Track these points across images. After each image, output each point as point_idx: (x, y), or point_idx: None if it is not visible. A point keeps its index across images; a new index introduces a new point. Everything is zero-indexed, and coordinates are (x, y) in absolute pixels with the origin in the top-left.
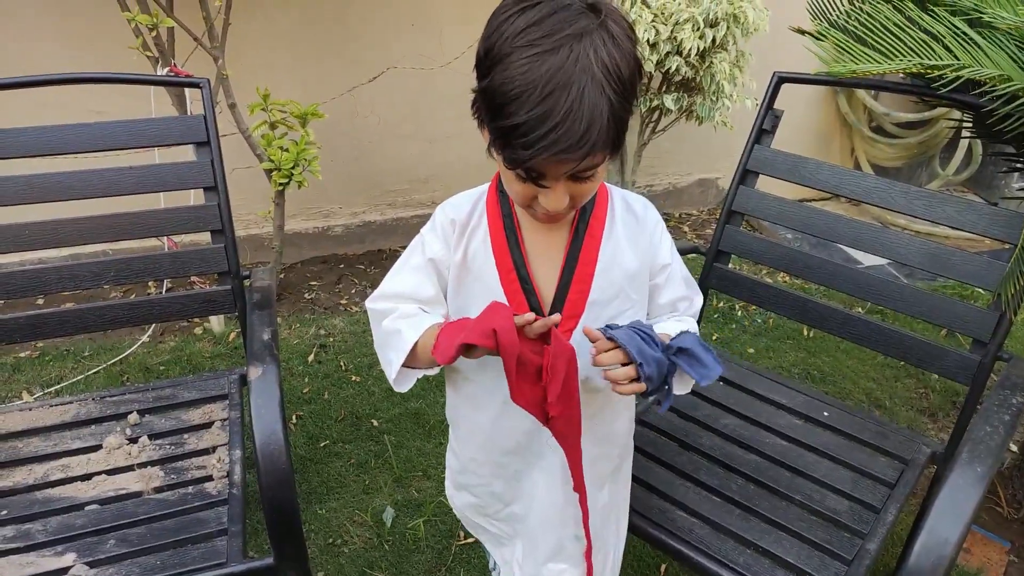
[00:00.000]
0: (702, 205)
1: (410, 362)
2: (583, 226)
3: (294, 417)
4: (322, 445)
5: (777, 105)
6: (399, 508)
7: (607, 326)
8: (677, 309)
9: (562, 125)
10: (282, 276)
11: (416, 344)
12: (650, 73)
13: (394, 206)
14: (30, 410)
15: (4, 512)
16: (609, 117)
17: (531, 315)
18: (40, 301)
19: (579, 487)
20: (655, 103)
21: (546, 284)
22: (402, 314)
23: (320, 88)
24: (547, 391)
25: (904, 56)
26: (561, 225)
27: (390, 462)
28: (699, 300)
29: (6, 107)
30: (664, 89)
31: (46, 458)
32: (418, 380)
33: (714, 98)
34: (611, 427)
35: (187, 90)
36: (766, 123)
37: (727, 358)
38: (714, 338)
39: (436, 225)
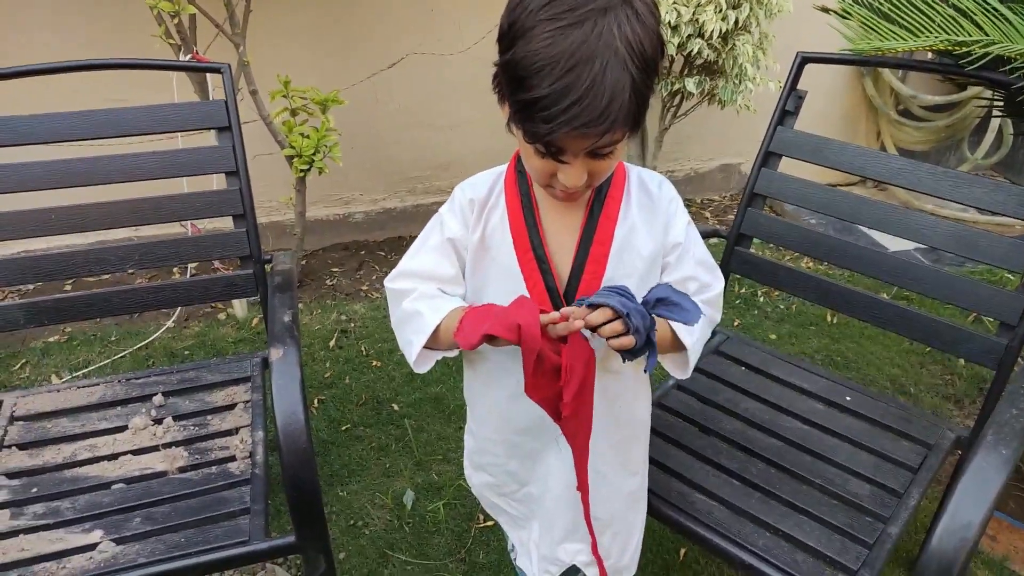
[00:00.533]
0: (724, 191)
1: (431, 344)
2: (598, 206)
3: (316, 401)
4: (343, 429)
5: (802, 89)
6: (419, 491)
7: (579, 299)
8: (687, 289)
9: (584, 99)
10: (303, 262)
11: (438, 327)
12: (671, 56)
13: (414, 193)
14: (58, 392)
15: (35, 490)
16: (631, 93)
17: (556, 314)
18: (68, 287)
19: (582, 486)
20: (677, 87)
21: (562, 263)
22: (421, 295)
23: (340, 75)
24: (564, 390)
25: (931, 33)
26: (578, 205)
27: (410, 446)
28: (717, 285)
29: (30, 95)
30: (686, 72)
31: (74, 438)
32: (438, 364)
33: (737, 81)
34: (632, 410)
35: (209, 78)
36: (789, 104)
37: (748, 343)
38: (735, 324)
39: (455, 205)
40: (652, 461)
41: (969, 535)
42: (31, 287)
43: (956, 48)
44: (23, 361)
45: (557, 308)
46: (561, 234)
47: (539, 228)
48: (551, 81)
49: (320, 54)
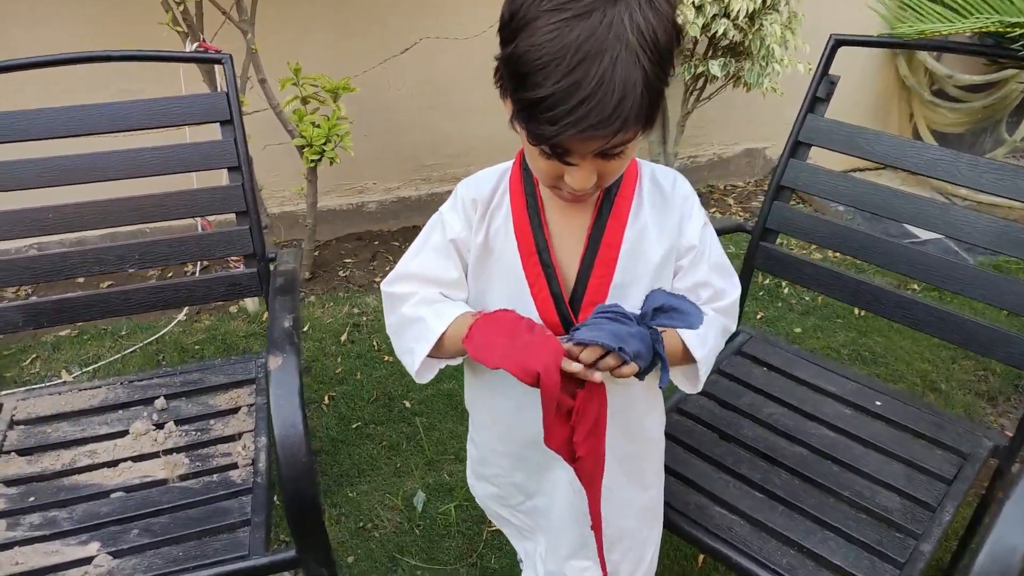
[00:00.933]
0: (749, 176)
1: (434, 352)
2: (607, 206)
3: (327, 398)
4: (354, 427)
5: (834, 74)
6: (430, 492)
7: (571, 331)
8: (699, 297)
9: (592, 98)
10: (316, 253)
11: (443, 334)
12: (695, 38)
13: (429, 181)
14: (59, 394)
15: (32, 499)
16: (643, 90)
17: (578, 366)
18: (81, 281)
19: (596, 526)
20: (700, 69)
21: (569, 267)
22: (423, 299)
23: (352, 61)
24: (575, 430)
25: (979, 13)
26: (587, 205)
27: (422, 444)
28: (733, 292)
29: (32, 88)
30: (710, 54)
31: (74, 443)
32: None
33: (763, 63)
34: (643, 422)
35: (216, 66)
36: (820, 90)
37: (771, 339)
38: (759, 316)
39: (458, 204)
40: (668, 470)
41: (1014, 563)
42: (38, 285)
43: (1010, 30)
44: (33, 356)
45: (562, 315)
46: (568, 236)
47: (544, 230)
48: (556, 79)
49: (332, 40)
